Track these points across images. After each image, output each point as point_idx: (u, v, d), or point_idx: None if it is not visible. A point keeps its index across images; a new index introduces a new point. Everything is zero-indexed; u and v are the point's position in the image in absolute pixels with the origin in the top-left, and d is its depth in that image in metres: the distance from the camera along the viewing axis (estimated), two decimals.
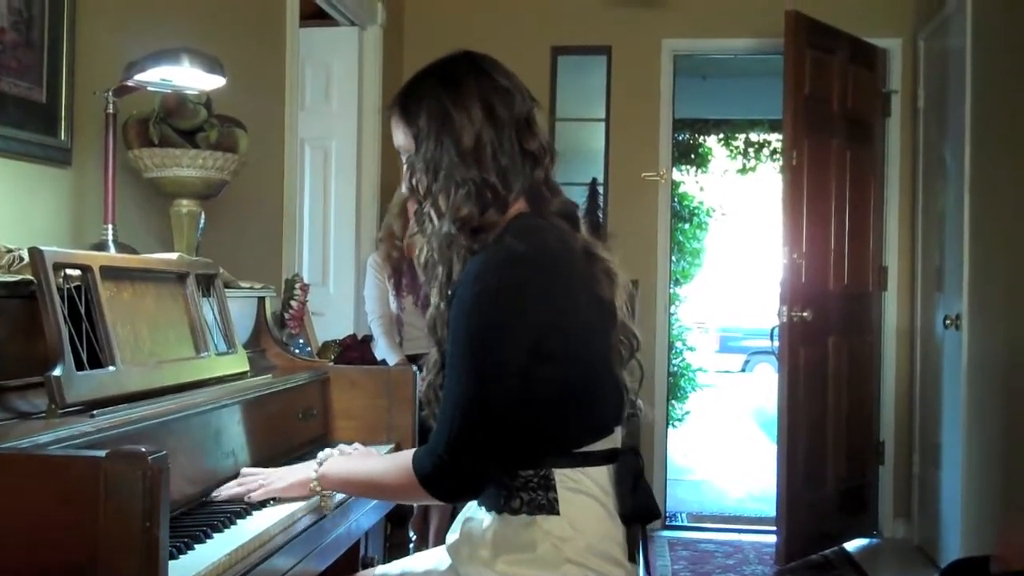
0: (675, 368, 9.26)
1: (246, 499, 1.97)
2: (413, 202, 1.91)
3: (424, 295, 4.39)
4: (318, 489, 1.96)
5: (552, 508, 1.76)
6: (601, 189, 5.72)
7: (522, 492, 1.78)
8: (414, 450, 1.81)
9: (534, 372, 1.73)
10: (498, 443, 1.73)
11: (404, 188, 1.90)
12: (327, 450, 2.02)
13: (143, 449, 1.39)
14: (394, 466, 1.86)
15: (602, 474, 1.81)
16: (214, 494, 2.00)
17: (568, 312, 1.78)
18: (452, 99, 1.81)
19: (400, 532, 2.87)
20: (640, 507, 1.83)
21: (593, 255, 1.88)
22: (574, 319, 1.79)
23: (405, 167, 1.88)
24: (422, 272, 1.91)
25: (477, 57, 1.89)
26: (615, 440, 1.86)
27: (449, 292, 1.81)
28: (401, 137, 1.89)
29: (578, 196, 5.44)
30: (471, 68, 1.86)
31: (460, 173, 1.79)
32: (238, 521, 1.86)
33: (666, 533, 5.62)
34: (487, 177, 1.80)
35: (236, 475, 2.18)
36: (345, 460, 2.00)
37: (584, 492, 1.78)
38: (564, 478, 1.78)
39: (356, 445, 2.15)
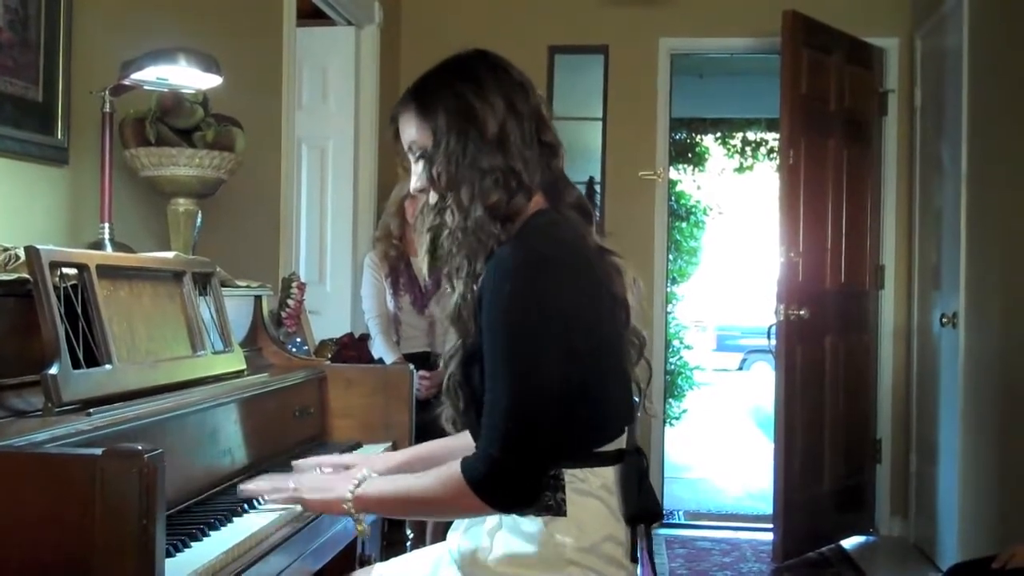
0: (672, 366, 9.27)
1: (264, 498, 1.93)
2: (427, 196, 1.88)
3: (430, 288, 4.39)
4: (351, 510, 1.85)
5: (560, 509, 1.75)
6: (598, 188, 5.72)
7: None
8: (461, 459, 1.74)
9: (564, 369, 1.72)
10: (548, 439, 1.71)
11: (418, 183, 1.87)
12: (367, 470, 1.91)
13: (139, 447, 1.39)
14: (440, 478, 1.76)
15: (608, 474, 1.81)
16: (240, 487, 1.97)
17: (591, 309, 1.78)
18: (474, 92, 1.81)
19: (397, 530, 2.87)
20: (645, 508, 1.83)
21: (605, 251, 1.89)
22: (595, 316, 1.79)
23: (419, 163, 1.86)
24: (441, 264, 1.86)
25: (489, 54, 1.90)
26: (623, 440, 1.85)
27: (475, 285, 1.79)
28: (415, 132, 1.86)
29: None
30: (488, 64, 1.87)
31: (486, 161, 1.78)
32: (234, 519, 1.87)
33: (663, 531, 5.62)
34: (513, 164, 1.79)
35: (233, 473, 2.18)
36: (383, 480, 1.91)
37: (590, 493, 1.78)
38: (572, 478, 1.77)
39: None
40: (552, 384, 1.71)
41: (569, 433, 1.75)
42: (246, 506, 1.94)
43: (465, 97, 1.81)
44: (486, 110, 1.80)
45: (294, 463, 2.27)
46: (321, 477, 2.04)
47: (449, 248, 1.83)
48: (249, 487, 1.97)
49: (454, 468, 1.74)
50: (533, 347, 1.70)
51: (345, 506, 1.85)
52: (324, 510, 1.93)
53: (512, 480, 1.71)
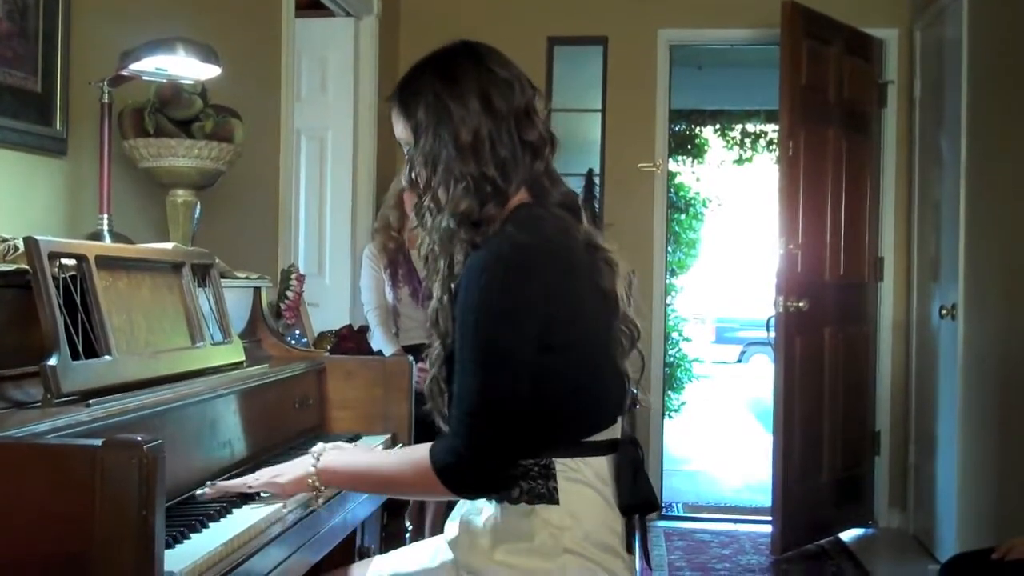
0: (671, 359, 9.26)
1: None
2: (413, 195, 1.90)
3: (425, 287, 4.38)
4: (317, 484, 1.88)
5: (552, 497, 1.77)
6: (597, 180, 5.72)
7: (522, 481, 1.77)
8: (429, 445, 1.78)
9: (540, 362, 1.73)
10: (515, 434, 1.73)
11: (404, 181, 1.90)
12: (320, 444, 1.94)
13: (139, 438, 1.39)
14: (408, 460, 1.81)
15: (602, 464, 1.82)
16: (202, 490, 1.92)
17: (571, 302, 1.78)
18: (449, 92, 1.80)
19: (396, 522, 2.87)
20: (640, 498, 1.84)
21: (594, 245, 1.88)
22: (577, 309, 1.79)
23: (406, 160, 1.88)
24: (423, 265, 1.88)
25: (475, 47, 1.88)
26: (616, 430, 1.86)
27: (452, 285, 1.80)
28: (401, 130, 1.88)
29: (574, 187, 5.43)
30: (469, 60, 1.85)
31: (458, 167, 1.78)
32: (233, 511, 1.86)
33: (662, 523, 5.63)
34: (486, 171, 1.79)
35: (232, 465, 2.18)
36: (345, 454, 1.95)
37: (583, 482, 1.79)
38: (564, 467, 1.78)
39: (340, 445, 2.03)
40: (520, 378, 1.72)
41: (553, 424, 1.77)
42: (246, 498, 1.94)
43: (440, 98, 1.80)
44: (460, 112, 1.79)
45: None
46: (278, 465, 2.02)
47: (430, 248, 1.84)
48: (208, 491, 1.92)
49: (422, 452, 1.77)
50: (502, 343, 1.71)
51: (311, 480, 1.88)
52: (292, 490, 1.92)
53: (476, 473, 1.74)
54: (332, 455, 1.92)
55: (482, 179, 1.79)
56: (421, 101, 1.82)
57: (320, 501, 1.96)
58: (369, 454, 1.97)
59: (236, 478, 2.00)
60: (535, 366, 1.73)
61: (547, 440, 1.77)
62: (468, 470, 1.74)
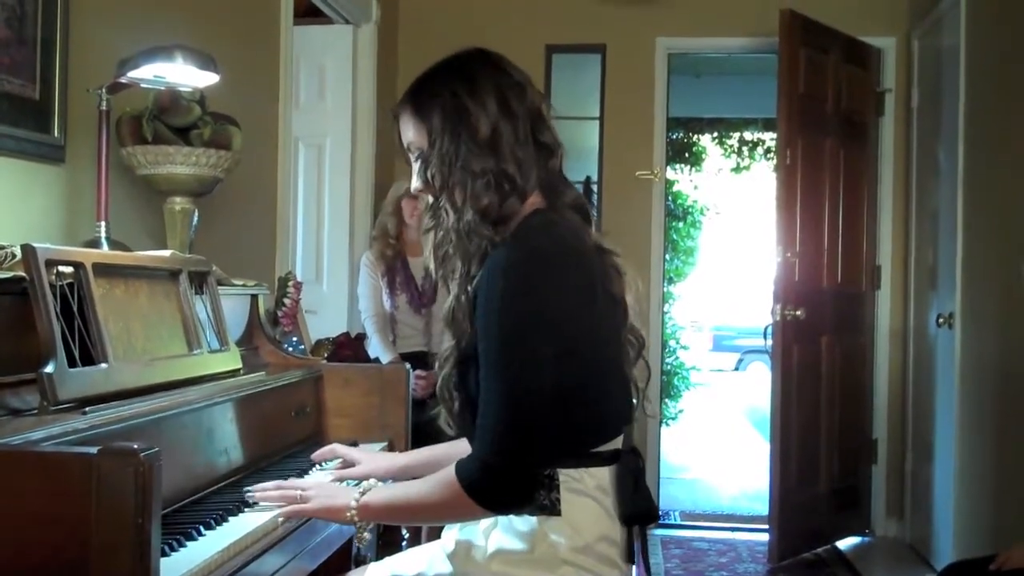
0: (669, 367, 9.27)
1: (267, 503, 1.91)
2: (425, 196, 1.89)
3: (438, 286, 4.37)
4: (355, 519, 1.84)
5: (554, 509, 1.75)
6: (595, 188, 5.72)
7: None
8: (456, 461, 1.75)
9: (560, 369, 1.72)
10: (541, 438, 1.71)
11: (418, 183, 1.87)
12: (372, 480, 1.93)
13: (135, 446, 1.38)
14: (436, 483, 1.77)
15: (604, 474, 1.80)
16: (249, 491, 1.96)
17: (588, 309, 1.77)
18: (468, 92, 1.81)
19: (393, 530, 2.86)
20: (641, 509, 1.83)
21: (604, 250, 1.88)
22: (593, 316, 1.78)
23: (417, 162, 1.86)
24: (438, 266, 1.86)
25: (487, 52, 1.90)
26: (619, 440, 1.85)
27: (468, 288, 1.79)
28: (413, 133, 1.87)
29: None
30: (484, 63, 1.86)
31: (478, 163, 1.78)
32: (230, 518, 1.86)
33: (659, 531, 5.62)
34: (505, 167, 1.79)
35: (229, 472, 2.18)
36: (386, 488, 1.92)
37: (585, 493, 1.78)
38: (567, 478, 1.77)
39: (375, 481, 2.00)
40: (546, 385, 1.70)
41: (565, 434, 1.75)
42: (242, 505, 1.94)
43: (459, 97, 1.81)
44: (479, 111, 1.79)
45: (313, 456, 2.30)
46: (328, 484, 2.03)
47: (445, 249, 1.83)
48: (258, 494, 1.95)
49: (449, 472, 1.74)
50: (526, 347, 1.70)
51: (349, 514, 1.84)
52: (328, 518, 1.92)
53: (506, 483, 1.71)
54: (376, 491, 1.87)
55: (502, 175, 1.79)
56: (438, 103, 1.82)
57: (365, 536, 1.93)
58: (402, 485, 1.94)
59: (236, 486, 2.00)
60: (554, 372, 1.71)
61: (559, 449, 1.76)
62: (499, 480, 1.71)
